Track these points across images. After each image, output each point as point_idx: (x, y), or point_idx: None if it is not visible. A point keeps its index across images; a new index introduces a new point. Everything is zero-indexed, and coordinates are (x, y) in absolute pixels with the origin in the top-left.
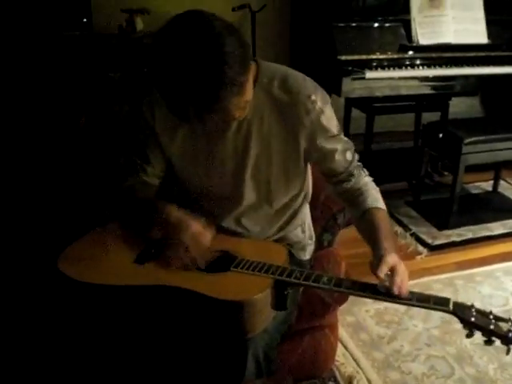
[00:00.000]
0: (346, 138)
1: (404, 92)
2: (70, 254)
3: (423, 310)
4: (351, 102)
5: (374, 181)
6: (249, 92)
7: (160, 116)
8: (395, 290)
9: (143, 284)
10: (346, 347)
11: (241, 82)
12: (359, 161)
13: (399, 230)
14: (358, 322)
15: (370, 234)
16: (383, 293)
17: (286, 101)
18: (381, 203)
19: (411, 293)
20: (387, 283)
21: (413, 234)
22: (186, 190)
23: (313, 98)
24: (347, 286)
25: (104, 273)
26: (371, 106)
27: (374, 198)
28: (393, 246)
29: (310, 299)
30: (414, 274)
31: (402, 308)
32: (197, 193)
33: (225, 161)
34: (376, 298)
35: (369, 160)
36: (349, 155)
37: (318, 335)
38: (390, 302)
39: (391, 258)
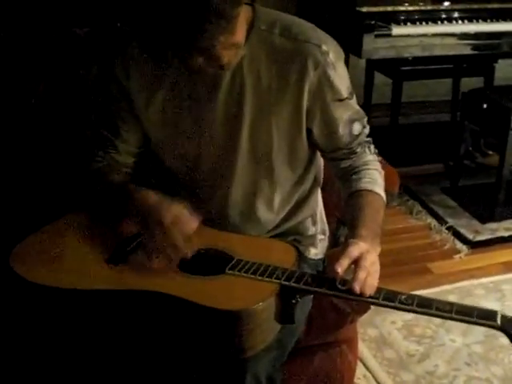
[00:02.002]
0: (357, 107)
1: (439, 52)
2: (25, 249)
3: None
4: (374, 65)
5: (403, 162)
6: (239, 33)
7: (136, 75)
8: (355, 287)
9: (118, 289)
10: (367, 367)
11: (230, 15)
12: (369, 135)
13: (433, 222)
14: (383, 335)
15: (351, 218)
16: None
17: (289, 49)
18: (378, 188)
19: (450, 304)
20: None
21: (450, 228)
22: (167, 171)
23: (324, 48)
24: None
25: (68, 275)
26: (399, 69)
27: (371, 179)
28: (373, 235)
29: (322, 308)
30: (451, 277)
31: (436, 319)
32: (180, 174)
33: (214, 129)
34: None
35: (395, 136)
36: (356, 128)
37: (333, 352)
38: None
39: (357, 248)
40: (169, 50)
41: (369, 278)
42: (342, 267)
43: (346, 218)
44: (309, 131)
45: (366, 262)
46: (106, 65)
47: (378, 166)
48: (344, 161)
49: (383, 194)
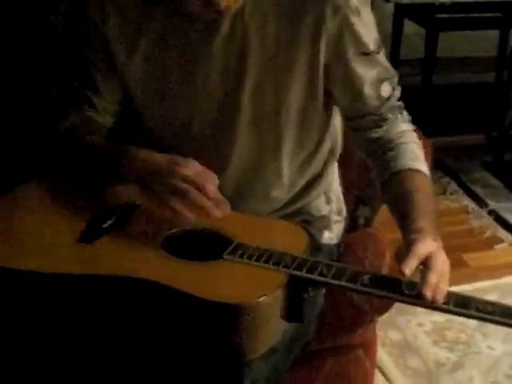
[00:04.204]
0: (386, 63)
1: None
2: None
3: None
4: (404, 11)
5: (436, 130)
6: None
7: (114, 15)
8: (426, 293)
9: (91, 273)
10: (387, 377)
11: None
12: (401, 99)
13: (471, 205)
14: (407, 340)
15: (400, 207)
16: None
17: None
18: (421, 164)
19: (492, 304)
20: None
21: (491, 212)
22: (149, 136)
23: None
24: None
25: (31, 254)
26: (433, 17)
27: (412, 155)
28: (433, 227)
29: (336, 304)
30: (491, 272)
31: (472, 322)
32: (166, 140)
33: (209, 85)
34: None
35: (428, 99)
36: (385, 89)
37: (347, 358)
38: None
39: (425, 246)
40: None
41: (442, 282)
42: (410, 268)
43: (389, 205)
44: (328, 94)
45: (438, 263)
46: (77, 2)
47: (415, 136)
48: (373, 130)
49: (428, 172)
